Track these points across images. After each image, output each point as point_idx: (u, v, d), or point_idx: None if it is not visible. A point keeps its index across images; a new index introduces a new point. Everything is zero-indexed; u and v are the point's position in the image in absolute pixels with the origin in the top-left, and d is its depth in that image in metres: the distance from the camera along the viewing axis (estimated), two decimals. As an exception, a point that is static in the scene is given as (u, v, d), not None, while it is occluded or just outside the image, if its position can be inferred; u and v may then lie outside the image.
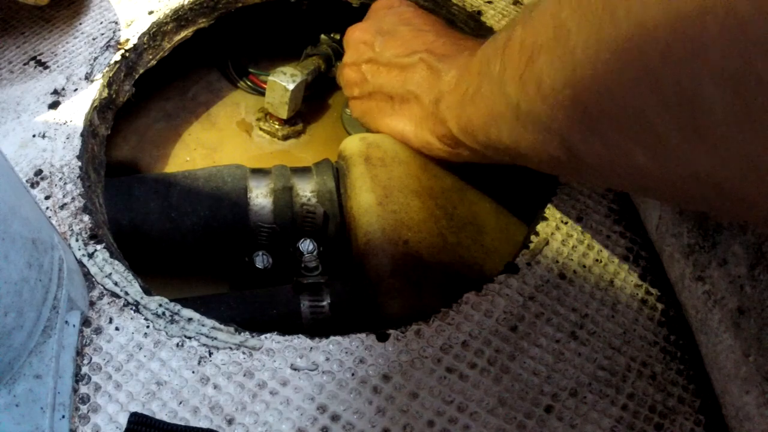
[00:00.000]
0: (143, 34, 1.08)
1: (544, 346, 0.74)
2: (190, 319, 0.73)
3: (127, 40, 1.06)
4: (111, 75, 1.01)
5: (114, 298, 0.74)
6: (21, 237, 0.56)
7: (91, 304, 0.74)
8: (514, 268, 0.81)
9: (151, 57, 1.11)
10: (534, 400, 0.70)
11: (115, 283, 0.76)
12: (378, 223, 0.95)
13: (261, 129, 1.43)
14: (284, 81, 1.33)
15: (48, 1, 1.06)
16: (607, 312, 0.78)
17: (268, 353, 0.71)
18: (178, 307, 0.74)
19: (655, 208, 0.81)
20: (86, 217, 0.81)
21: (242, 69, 1.49)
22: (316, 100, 1.50)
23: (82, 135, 0.90)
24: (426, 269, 0.90)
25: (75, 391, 0.66)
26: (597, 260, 0.83)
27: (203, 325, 0.73)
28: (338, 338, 0.73)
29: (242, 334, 0.72)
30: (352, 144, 1.10)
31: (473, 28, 1.24)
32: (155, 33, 1.11)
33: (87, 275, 0.76)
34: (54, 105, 0.94)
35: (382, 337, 0.73)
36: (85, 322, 0.72)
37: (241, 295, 0.91)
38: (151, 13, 1.11)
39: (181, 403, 0.67)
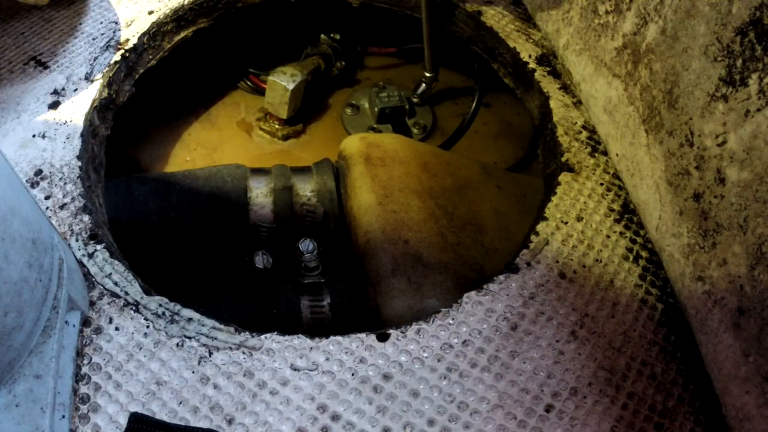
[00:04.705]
0: (143, 34, 1.08)
1: (544, 345, 0.74)
2: (190, 319, 0.73)
3: (127, 40, 1.06)
4: (111, 75, 1.01)
5: (114, 298, 0.74)
6: (21, 237, 0.56)
7: (91, 304, 0.74)
8: (514, 267, 0.81)
9: (151, 57, 1.11)
10: (534, 399, 0.70)
11: (115, 283, 0.76)
12: (378, 223, 0.95)
13: (261, 129, 1.43)
14: (284, 81, 1.33)
15: (48, 1, 1.06)
16: (607, 312, 0.78)
17: (268, 353, 0.71)
18: (178, 307, 0.74)
19: (655, 208, 0.81)
20: (86, 217, 0.82)
21: (242, 69, 1.49)
22: (316, 100, 1.50)
23: (82, 135, 0.90)
24: (426, 269, 0.90)
25: (75, 391, 0.66)
26: (597, 260, 0.83)
27: (203, 325, 0.73)
28: (338, 338, 0.73)
29: (242, 334, 0.72)
30: (353, 143, 1.10)
31: (473, 28, 1.24)
32: (155, 33, 1.11)
33: (87, 275, 0.76)
34: (54, 105, 0.94)
35: (383, 337, 0.73)
36: (85, 322, 0.72)
37: (241, 295, 0.91)
38: (151, 13, 1.11)
39: (181, 403, 0.67)
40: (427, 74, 1.38)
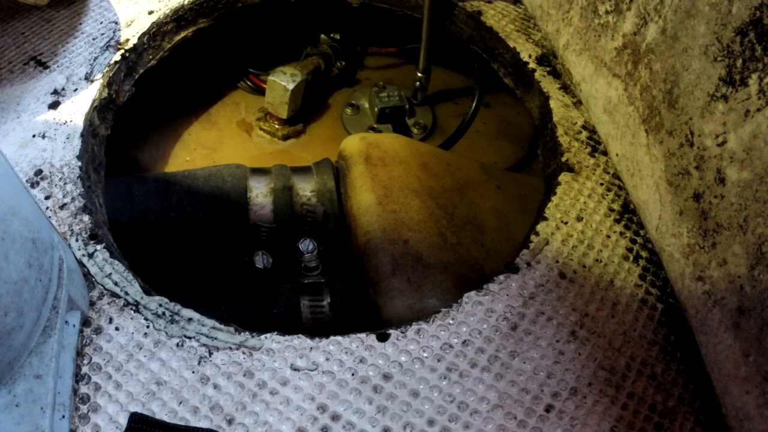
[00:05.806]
0: (143, 34, 1.08)
1: (544, 345, 0.74)
2: (190, 319, 0.73)
3: (127, 40, 1.05)
4: (111, 75, 1.00)
5: (114, 298, 0.74)
6: (21, 237, 0.56)
7: (91, 304, 0.74)
8: (514, 267, 0.81)
9: (151, 57, 1.11)
10: (534, 399, 0.70)
11: (115, 283, 0.76)
12: (378, 223, 0.95)
13: (261, 129, 1.43)
14: (284, 81, 1.33)
15: (48, 1, 1.06)
16: (607, 312, 0.78)
17: (268, 353, 0.71)
18: (178, 307, 0.74)
19: (655, 208, 0.81)
20: (86, 217, 0.81)
21: (242, 69, 1.49)
22: (316, 100, 1.51)
23: (82, 135, 0.90)
24: (426, 269, 0.90)
25: (75, 391, 0.66)
26: (597, 260, 0.83)
27: (203, 325, 0.73)
28: (338, 338, 0.73)
29: (242, 334, 0.72)
30: (352, 143, 1.10)
31: (473, 28, 1.24)
32: (155, 33, 1.11)
33: (87, 275, 0.76)
34: (54, 105, 0.94)
35: (383, 337, 0.73)
36: (85, 322, 0.72)
37: (241, 295, 0.91)
38: (151, 13, 1.11)
39: (181, 403, 0.67)
40: (419, 74, 1.38)
